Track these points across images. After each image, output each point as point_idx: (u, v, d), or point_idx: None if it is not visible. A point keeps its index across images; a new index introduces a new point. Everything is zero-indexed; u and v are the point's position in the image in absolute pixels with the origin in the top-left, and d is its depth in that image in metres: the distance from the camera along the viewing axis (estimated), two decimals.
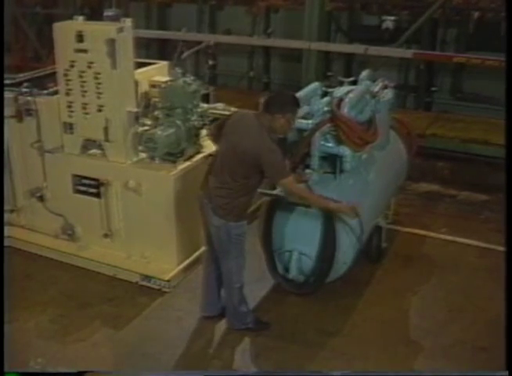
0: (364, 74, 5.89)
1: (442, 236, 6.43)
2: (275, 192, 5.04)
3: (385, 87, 5.79)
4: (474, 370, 4.43)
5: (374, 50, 8.46)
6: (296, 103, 4.54)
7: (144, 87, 5.72)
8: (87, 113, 5.45)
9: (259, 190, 5.02)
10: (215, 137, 4.85)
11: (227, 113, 5.30)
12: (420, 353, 4.72)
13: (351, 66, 9.50)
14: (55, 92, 5.69)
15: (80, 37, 5.24)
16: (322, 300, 5.28)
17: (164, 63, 6.26)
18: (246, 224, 4.65)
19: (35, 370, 4.42)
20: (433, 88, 9.11)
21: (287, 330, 4.95)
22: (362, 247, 5.24)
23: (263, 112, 4.46)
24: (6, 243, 5.90)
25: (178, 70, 5.65)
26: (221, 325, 4.97)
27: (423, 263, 5.94)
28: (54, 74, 5.71)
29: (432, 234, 6.47)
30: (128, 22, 5.27)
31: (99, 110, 5.38)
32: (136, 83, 5.55)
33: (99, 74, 5.27)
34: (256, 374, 4.80)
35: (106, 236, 5.75)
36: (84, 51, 5.27)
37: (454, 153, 7.85)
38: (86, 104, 5.42)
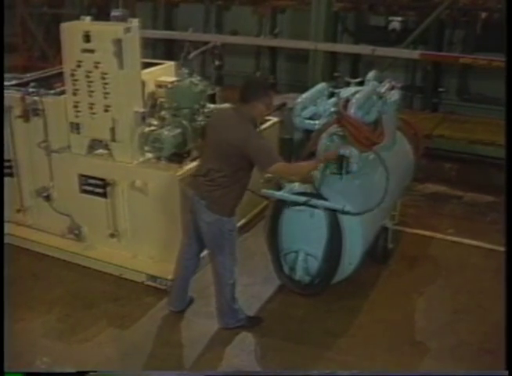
0: (371, 74, 5.88)
1: (448, 238, 6.41)
2: (280, 193, 5.04)
3: (392, 88, 5.77)
4: (477, 371, 4.43)
5: (381, 51, 8.44)
6: (267, 86, 4.70)
7: (151, 87, 5.74)
8: (94, 113, 5.46)
9: (263, 191, 5.03)
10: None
11: None
12: (425, 354, 4.71)
13: (357, 67, 9.47)
14: (62, 92, 5.70)
15: (87, 38, 5.24)
16: (328, 301, 5.27)
17: (170, 64, 6.28)
18: (235, 219, 4.70)
19: (36, 369, 4.42)
20: (440, 89, 9.07)
21: (293, 331, 4.95)
22: (368, 248, 5.24)
23: (240, 103, 4.53)
24: (12, 242, 5.92)
25: (185, 71, 5.67)
26: None
27: (429, 264, 5.93)
28: (61, 73, 5.73)
29: (438, 235, 6.46)
30: (134, 22, 5.28)
31: (106, 110, 5.38)
32: (143, 83, 5.56)
33: (105, 74, 5.27)
34: (260, 375, 4.80)
35: (112, 235, 5.76)
36: (91, 51, 5.27)
37: (460, 154, 7.83)
38: (93, 104, 5.43)
